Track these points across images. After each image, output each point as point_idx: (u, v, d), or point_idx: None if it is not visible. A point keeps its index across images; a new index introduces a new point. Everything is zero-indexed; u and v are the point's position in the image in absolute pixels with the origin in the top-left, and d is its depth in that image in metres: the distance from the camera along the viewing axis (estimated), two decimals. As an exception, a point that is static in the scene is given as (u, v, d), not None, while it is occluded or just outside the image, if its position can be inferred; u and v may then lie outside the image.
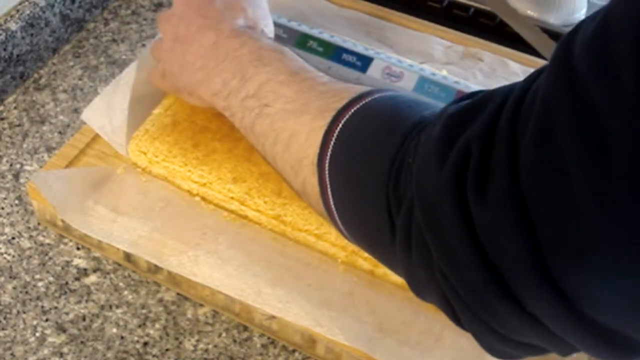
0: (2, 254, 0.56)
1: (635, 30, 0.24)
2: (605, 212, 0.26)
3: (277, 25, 0.65)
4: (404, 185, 0.36)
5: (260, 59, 0.50)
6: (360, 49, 0.65)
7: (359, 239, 0.44)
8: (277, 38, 0.64)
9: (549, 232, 0.28)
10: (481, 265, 0.31)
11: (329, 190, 0.42)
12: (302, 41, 0.66)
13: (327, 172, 0.42)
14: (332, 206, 0.43)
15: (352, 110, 0.42)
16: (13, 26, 0.66)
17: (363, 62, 0.64)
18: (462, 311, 0.34)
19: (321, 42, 0.66)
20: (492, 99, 0.33)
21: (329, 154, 0.42)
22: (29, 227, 0.58)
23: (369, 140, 0.40)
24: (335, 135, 0.42)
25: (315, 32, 0.67)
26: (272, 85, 0.48)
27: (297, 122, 0.45)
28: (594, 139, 0.26)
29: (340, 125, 0.42)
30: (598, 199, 0.26)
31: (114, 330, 0.53)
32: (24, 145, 0.64)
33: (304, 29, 0.64)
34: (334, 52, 0.65)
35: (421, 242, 0.35)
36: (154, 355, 0.52)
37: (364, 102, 0.42)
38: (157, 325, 0.53)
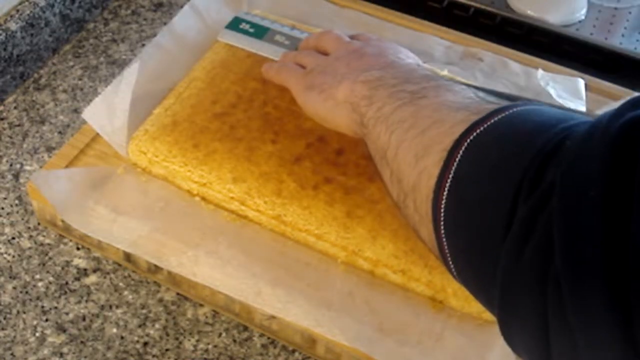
0: (2, 254, 0.56)
1: None
2: None
3: (279, 32, 0.65)
4: (550, 171, 0.32)
5: (435, 78, 0.48)
6: None
7: (458, 237, 0.38)
8: (279, 45, 0.64)
9: None
10: (615, 299, 0.27)
11: (449, 178, 0.37)
12: None
13: (457, 159, 0.37)
14: (443, 199, 0.38)
15: (506, 113, 0.38)
16: (13, 26, 0.66)
17: None
18: (559, 336, 0.30)
19: None
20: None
21: (467, 142, 0.38)
22: (29, 227, 0.58)
23: (515, 140, 0.36)
24: (482, 128, 0.38)
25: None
26: (436, 90, 0.45)
27: (450, 114, 0.41)
28: None
29: (492, 121, 0.38)
30: None
31: (114, 330, 0.53)
32: (24, 145, 0.64)
33: (306, 36, 0.65)
34: None
35: (543, 239, 0.30)
36: (154, 355, 0.52)
37: (517, 108, 0.39)
38: (157, 325, 0.53)
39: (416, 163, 0.41)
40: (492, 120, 0.38)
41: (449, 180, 0.37)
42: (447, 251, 0.38)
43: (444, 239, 0.38)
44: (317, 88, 0.53)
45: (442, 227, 0.38)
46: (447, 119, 0.40)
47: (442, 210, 0.37)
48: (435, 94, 0.44)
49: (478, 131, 0.37)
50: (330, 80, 0.52)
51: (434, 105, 0.43)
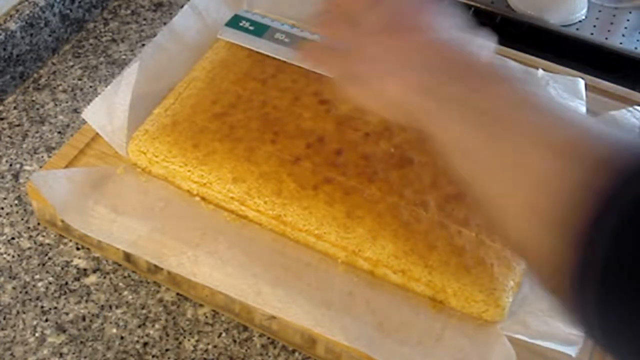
0: (1, 254, 0.56)
1: None
2: None
3: (279, 30, 0.65)
4: None
5: (505, 77, 0.39)
6: None
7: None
8: (279, 43, 0.64)
9: None
10: None
11: (592, 272, 0.29)
12: None
13: (598, 250, 0.29)
14: (590, 286, 0.29)
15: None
16: (13, 26, 0.66)
17: None
18: None
19: None
20: None
21: (604, 229, 0.29)
22: (28, 227, 0.58)
23: None
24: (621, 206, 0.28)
25: (317, 37, 0.66)
26: (514, 108, 0.36)
27: (543, 163, 0.32)
28: None
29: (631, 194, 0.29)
30: None
31: (114, 330, 0.53)
32: (24, 145, 0.64)
33: (306, 34, 0.65)
34: None
35: None
36: (153, 356, 0.52)
37: None
38: (157, 326, 0.53)
39: (517, 226, 0.34)
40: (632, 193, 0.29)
41: (591, 273, 0.29)
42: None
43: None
44: (361, 81, 0.45)
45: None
46: (543, 173, 0.32)
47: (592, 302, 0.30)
48: (513, 120, 0.35)
49: (616, 212, 0.28)
50: (372, 70, 0.44)
51: (515, 140, 0.34)
